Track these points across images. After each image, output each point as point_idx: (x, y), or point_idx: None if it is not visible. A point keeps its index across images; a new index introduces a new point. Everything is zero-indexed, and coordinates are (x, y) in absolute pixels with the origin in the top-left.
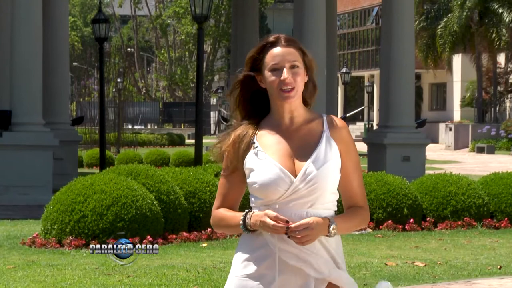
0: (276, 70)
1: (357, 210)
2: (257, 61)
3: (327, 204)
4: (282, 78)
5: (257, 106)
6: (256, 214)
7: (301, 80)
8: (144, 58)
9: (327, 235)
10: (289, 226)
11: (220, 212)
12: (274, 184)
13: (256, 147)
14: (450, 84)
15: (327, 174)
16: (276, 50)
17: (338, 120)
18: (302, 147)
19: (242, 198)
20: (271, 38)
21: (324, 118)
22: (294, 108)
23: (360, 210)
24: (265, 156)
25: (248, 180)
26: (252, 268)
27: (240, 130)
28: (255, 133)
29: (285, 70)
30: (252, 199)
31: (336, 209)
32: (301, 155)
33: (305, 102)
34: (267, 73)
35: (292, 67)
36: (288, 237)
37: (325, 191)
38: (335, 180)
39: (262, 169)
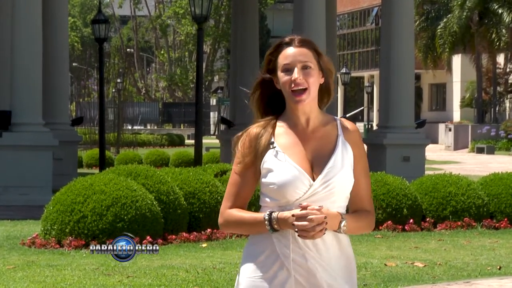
0: (288, 70)
1: (365, 213)
2: (271, 61)
3: (339, 208)
4: (293, 78)
5: (274, 107)
6: (283, 214)
7: (314, 81)
8: (144, 59)
9: (336, 231)
10: (295, 214)
11: (235, 213)
12: (293, 186)
13: (275, 147)
14: (449, 84)
15: (344, 179)
16: (289, 50)
17: (351, 124)
18: (319, 150)
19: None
20: (286, 39)
21: (338, 121)
22: (309, 110)
23: (367, 214)
24: (285, 157)
25: (264, 180)
26: (264, 269)
27: (259, 128)
28: (273, 133)
29: (296, 70)
30: (267, 199)
31: (345, 212)
32: (319, 158)
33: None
34: (280, 74)
35: (304, 67)
36: (298, 235)
37: (341, 196)
38: (350, 185)
39: (281, 170)
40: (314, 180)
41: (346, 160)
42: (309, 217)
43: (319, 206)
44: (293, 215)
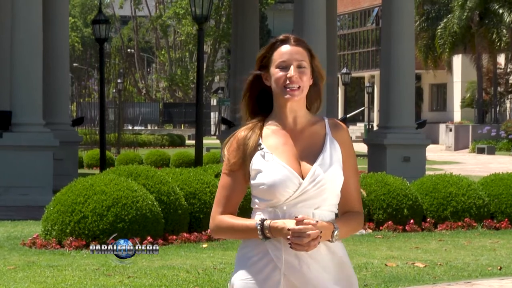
0: (283, 67)
1: (354, 215)
2: (265, 58)
3: (331, 206)
4: (288, 75)
5: (262, 106)
6: (276, 223)
7: (306, 80)
8: (144, 59)
9: (329, 240)
10: (291, 229)
11: (226, 220)
12: (283, 185)
13: (263, 148)
14: (450, 84)
15: (334, 176)
16: (285, 48)
17: (339, 123)
18: (307, 149)
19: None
20: (281, 37)
21: (326, 120)
22: (297, 108)
23: (357, 215)
24: (273, 157)
25: (254, 182)
26: (257, 271)
27: (246, 130)
28: (260, 134)
29: (292, 67)
30: (256, 200)
31: (337, 211)
32: (307, 157)
33: (307, 107)
34: (274, 70)
35: (299, 66)
36: (291, 246)
37: (331, 193)
38: (340, 182)
39: (270, 171)
40: (303, 178)
41: (334, 158)
42: (307, 233)
43: (316, 221)
44: (288, 229)
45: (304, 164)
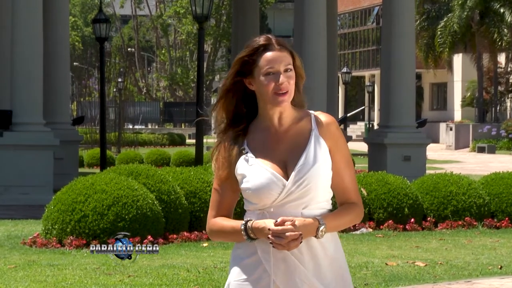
0: (271, 74)
1: (350, 206)
2: (248, 63)
3: (321, 203)
4: (280, 83)
5: (243, 110)
6: (258, 223)
7: (293, 83)
8: (145, 58)
9: (315, 236)
10: (271, 229)
11: (217, 222)
12: (267, 189)
13: (247, 152)
14: (450, 84)
15: (318, 175)
16: (271, 54)
17: (326, 116)
18: (292, 149)
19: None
20: (263, 41)
21: (312, 115)
22: (283, 109)
23: (353, 207)
24: (256, 161)
25: (241, 186)
26: (249, 272)
27: (230, 137)
28: (244, 139)
29: (281, 76)
30: (247, 203)
31: (330, 207)
32: (292, 157)
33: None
34: (262, 78)
35: (286, 70)
36: (273, 246)
37: (318, 192)
38: (327, 179)
39: (253, 175)
40: (288, 180)
41: (319, 155)
42: (286, 234)
43: (296, 221)
44: (269, 229)
45: (289, 165)
